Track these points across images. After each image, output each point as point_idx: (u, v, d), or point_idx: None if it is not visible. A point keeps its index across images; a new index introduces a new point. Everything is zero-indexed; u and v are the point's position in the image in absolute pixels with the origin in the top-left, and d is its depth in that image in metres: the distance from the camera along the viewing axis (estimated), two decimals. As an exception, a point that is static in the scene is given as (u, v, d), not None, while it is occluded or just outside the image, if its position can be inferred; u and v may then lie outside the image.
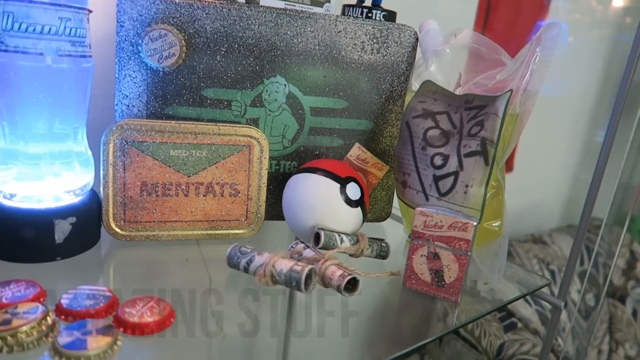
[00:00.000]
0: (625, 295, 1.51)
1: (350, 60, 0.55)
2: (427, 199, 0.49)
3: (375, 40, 0.55)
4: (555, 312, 0.50)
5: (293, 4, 0.58)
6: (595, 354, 1.37)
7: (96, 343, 0.32)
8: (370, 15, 0.58)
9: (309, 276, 0.42)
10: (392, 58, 0.56)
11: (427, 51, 0.54)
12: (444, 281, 0.44)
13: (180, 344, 0.36)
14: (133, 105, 0.51)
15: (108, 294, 0.38)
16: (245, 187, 0.51)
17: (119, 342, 0.33)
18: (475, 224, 0.42)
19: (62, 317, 0.36)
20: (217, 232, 0.52)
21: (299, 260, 0.44)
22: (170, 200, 0.49)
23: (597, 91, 1.61)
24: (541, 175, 1.54)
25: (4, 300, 0.35)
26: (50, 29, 0.38)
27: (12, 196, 0.42)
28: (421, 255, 0.45)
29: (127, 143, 0.47)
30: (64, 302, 0.36)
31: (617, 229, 1.64)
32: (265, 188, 0.52)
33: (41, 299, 0.37)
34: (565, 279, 0.50)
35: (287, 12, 0.52)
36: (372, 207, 0.60)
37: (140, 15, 0.48)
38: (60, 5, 0.38)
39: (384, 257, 0.51)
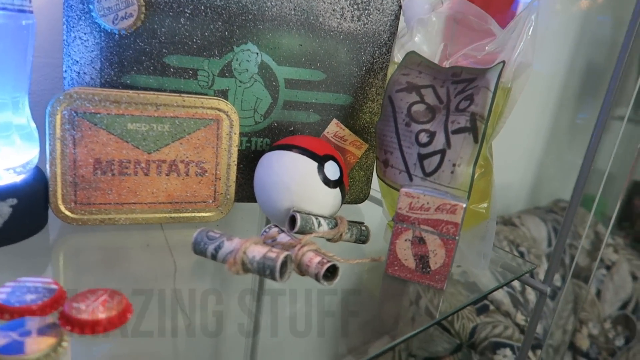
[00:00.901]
0: (589, 276, 1.54)
1: (329, 28, 0.50)
2: (411, 179, 0.46)
3: (355, 7, 0.50)
4: (540, 297, 0.48)
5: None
6: (560, 333, 1.40)
7: (36, 345, 0.27)
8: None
9: (284, 263, 0.38)
10: (374, 27, 0.51)
11: (411, 20, 0.50)
12: (430, 267, 0.41)
13: (138, 344, 0.32)
14: (85, 73, 0.45)
15: (54, 286, 0.33)
16: (213, 166, 0.47)
17: (64, 344, 0.29)
18: (464, 205, 0.39)
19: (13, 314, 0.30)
20: (181, 215, 0.47)
21: (272, 246, 0.40)
22: (129, 180, 0.44)
23: (564, 73, 1.62)
24: (509, 157, 1.54)
25: None
26: (-22, -25, 0.32)
27: (-62, 174, 0.36)
28: (405, 240, 0.41)
29: (77, 115, 0.41)
30: (0, 297, 0.31)
31: (581, 210, 1.67)
32: (236, 167, 0.48)
33: (-27, 294, 0.32)
34: (552, 264, 0.48)
35: (260, -29, 0.46)
36: (350, 188, 0.57)
37: (91, -32, 0.42)
38: (-10, -53, 0.32)
39: (364, 242, 0.47)
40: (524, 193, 1.81)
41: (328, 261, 0.39)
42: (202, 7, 0.46)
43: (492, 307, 1.05)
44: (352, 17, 0.50)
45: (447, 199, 0.40)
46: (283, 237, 0.43)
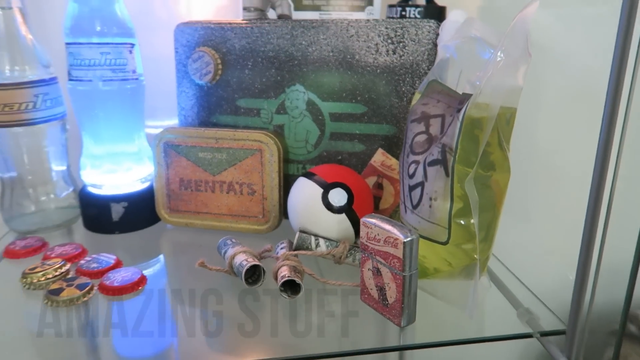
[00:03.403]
0: None
1: (365, 64, 0.53)
2: (405, 211, 0.45)
3: (389, 41, 0.52)
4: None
5: (329, 12, 0.59)
6: None
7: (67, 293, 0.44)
8: (404, 13, 0.55)
9: (260, 272, 0.45)
10: (411, 57, 0.52)
11: (438, 46, 0.48)
12: (387, 300, 0.41)
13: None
14: (188, 115, 0.62)
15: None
16: (260, 187, 0.57)
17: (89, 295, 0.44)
18: (405, 240, 0.38)
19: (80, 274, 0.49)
20: (239, 225, 0.58)
21: (258, 257, 0.48)
22: (201, 195, 0.58)
23: None
24: None
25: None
26: (93, 61, 0.52)
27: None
28: (368, 269, 0.42)
29: (168, 146, 0.58)
30: (82, 263, 0.49)
31: None
32: (280, 189, 0.56)
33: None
34: (569, 327, 0.38)
35: (301, 23, 0.54)
36: (402, 216, 0.57)
37: (188, 41, 0.59)
38: (100, 43, 0.52)
39: (370, 268, 0.49)
40: None
41: (288, 276, 0.44)
42: (260, 59, 0.57)
43: None
44: (387, 51, 0.52)
45: (392, 231, 0.39)
46: (281, 252, 0.49)
